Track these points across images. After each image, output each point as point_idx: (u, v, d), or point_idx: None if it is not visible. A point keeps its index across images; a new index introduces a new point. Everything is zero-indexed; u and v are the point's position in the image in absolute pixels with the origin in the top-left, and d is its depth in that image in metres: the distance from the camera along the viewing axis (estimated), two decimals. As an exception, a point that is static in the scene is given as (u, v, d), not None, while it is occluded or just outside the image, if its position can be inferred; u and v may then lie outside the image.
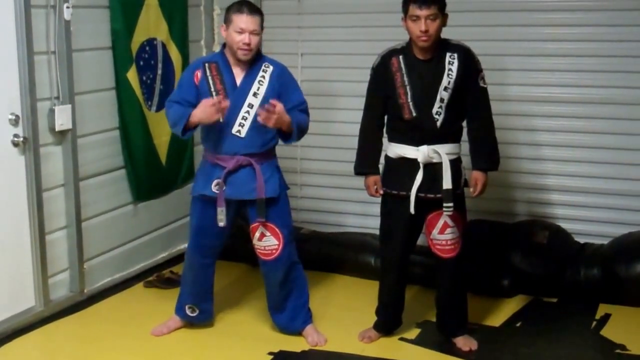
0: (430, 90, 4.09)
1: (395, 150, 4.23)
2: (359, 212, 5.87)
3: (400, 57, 4.15)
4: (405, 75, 4.12)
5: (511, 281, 5.09)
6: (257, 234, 4.36)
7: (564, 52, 5.34)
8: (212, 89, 4.19)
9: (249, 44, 4.10)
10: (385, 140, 4.37)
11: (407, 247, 4.35)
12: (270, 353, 4.31)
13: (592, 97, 5.32)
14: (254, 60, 4.24)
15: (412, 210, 4.16)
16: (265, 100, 4.17)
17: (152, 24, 5.33)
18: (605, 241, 5.25)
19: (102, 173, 5.11)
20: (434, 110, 4.08)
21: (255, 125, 4.18)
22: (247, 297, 5.11)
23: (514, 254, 5.14)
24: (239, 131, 4.20)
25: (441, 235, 4.23)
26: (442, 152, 4.11)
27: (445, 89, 4.06)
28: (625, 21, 5.17)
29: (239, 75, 4.23)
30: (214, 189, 4.25)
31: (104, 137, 5.09)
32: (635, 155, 5.29)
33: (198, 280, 4.54)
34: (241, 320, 4.77)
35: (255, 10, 4.16)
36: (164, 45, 5.48)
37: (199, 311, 4.58)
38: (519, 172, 5.52)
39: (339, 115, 5.80)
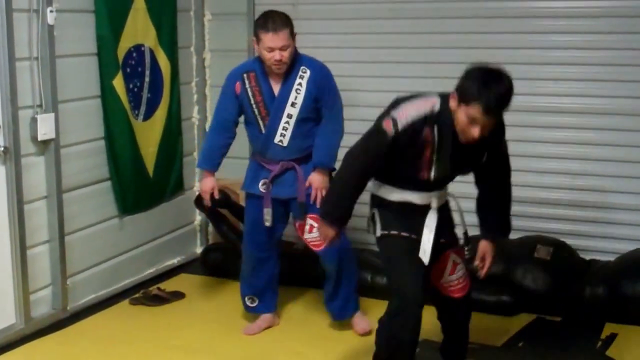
0: (458, 165, 3.79)
1: (397, 195, 3.84)
2: (358, 227, 5.89)
3: (435, 128, 3.63)
4: (436, 151, 3.65)
5: (514, 299, 5.13)
6: (307, 227, 4.67)
7: (570, 60, 5.40)
8: (252, 101, 4.54)
9: (280, 60, 4.40)
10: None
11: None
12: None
13: (599, 108, 5.37)
14: (291, 67, 4.51)
15: (426, 261, 3.79)
16: (303, 108, 4.53)
17: (139, 30, 5.39)
18: (612, 258, 5.29)
19: (87, 185, 5.15)
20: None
21: (296, 133, 4.55)
22: (236, 316, 5.13)
23: (516, 271, 5.18)
24: (281, 141, 4.57)
25: (453, 275, 4.05)
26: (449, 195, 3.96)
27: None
28: (634, 28, 5.23)
29: (276, 84, 4.53)
30: (261, 188, 4.65)
31: (89, 148, 5.15)
32: (643, 168, 5.34)
33: (256, 272, 4.86)
34: (230, 340, 4.79)
35: (281, 25, 4.39)
36: (151, 52, 5.54)
37: (259, 301, 4.90)
38: (523, 185, 5.47)
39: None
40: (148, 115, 5.55)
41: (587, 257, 5.37)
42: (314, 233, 4.59)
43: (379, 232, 3.87)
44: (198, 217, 6.31)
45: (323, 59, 5.83)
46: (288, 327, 4.96)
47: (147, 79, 5.52)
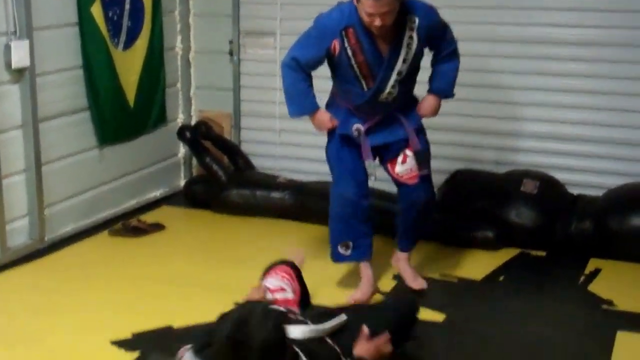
0: None
1: None
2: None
3: None
4: None
5: (498, 233, 5.14)
6: (400, 159, 4.35)
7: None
8: (352, 61, 4.06)
9: (381, 26, 3.90)
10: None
11: None
12: (236, 303, 4.36)
13: (590, 39, 5.33)
14: (399, 19, 3.98)
15: None
16: (414, 60, 4.11)
17: (118, -45, 5.33)
18: (600, 193, 5.28)
19: (64, 114, 5.13)
20: None
21: (404, 89, 4.19)
22: (216, 247, 5.17)
23: (501, 205, 5.18)
24: (387, 98, 4.18)
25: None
26: None
27: None
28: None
29: (383, 42, 4.04)
30: (354, 131, 4.28)
31: (66, 76, 5.12)
32: (635, 101, 5.30)
33: (349, 216, 4.41)
34: (208, 271, 4.83)
35: None
36: (131, -22, 5.48)
37: (353, 247, 4.46)
38: (510, 118, 5.56)
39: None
40: (128, 44, 5.51)
41: (575, 191, 5.36)
42: (407, 164, 4.34)
43: None
44: (182, 149, 6.29)
45: (311, 2, 5.67)
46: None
47: (127, 7, 5.45)
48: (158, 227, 5.46)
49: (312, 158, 6.02)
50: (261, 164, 6.18)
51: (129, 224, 5.43)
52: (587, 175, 5.48)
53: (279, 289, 3.67)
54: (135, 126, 5.73)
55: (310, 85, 4.27)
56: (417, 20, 4.02)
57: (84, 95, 5.24)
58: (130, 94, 5.59)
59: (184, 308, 4.33)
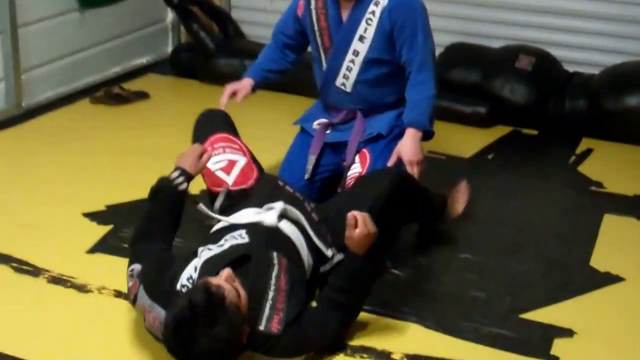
0: None
1: None
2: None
3: None
4: None
5: (490, 110, 5.01)
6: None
7: None
8: (316, 27, 3.65)
9: None
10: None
11: None
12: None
13: None
14: None
15: None
16: (373, 46, 3.58)
17: None
18: (598, 71, 5.12)
19: (41, -26, 4.95)
20: None
21: (362, 78, 3.65)
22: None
23: (494, 81, 5.03)
24: (343, 84, 3.68)
25: None
26: None
27: None
28: None
29: (345, 9, 3.59)
30: (315, 125, 3.82)
31: None
32: (637, -25, 5.11)
33: None
34: (190, 143, 4.71)
35: None
36: None
37: None
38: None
39: None
40: None
41: (571, 69, 5.22)
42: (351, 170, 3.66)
43: None
44: (170, 14, 6.08)
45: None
46: (258, 132, 4.77)
47: None
48: (142, 95, 5.31)
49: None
50: (252, 32, 5.99)
51: (111, 92, 5.26)
52: (585, 52, 5.34)
53: (228, 164, 3.42)
54: (119, -12, 5.53)
55: (272, 66, 3.94)
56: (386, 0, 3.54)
57: (61, -46, 5.04)
58: (112, -48, 5.38)
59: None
